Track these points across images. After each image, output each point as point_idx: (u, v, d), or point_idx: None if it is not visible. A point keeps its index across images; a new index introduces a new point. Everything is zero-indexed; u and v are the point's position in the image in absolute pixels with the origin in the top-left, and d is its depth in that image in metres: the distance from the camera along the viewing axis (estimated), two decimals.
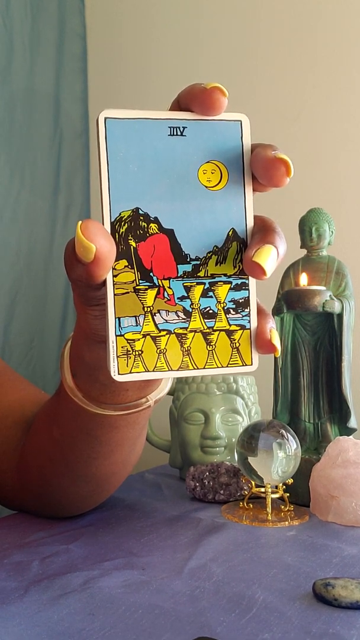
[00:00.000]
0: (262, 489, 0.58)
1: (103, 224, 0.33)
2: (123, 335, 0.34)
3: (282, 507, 0.59)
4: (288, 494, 0.59)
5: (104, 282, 0.34)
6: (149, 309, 0.34)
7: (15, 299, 1.06)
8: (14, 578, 0.42)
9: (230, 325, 0.35)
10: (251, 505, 0.60)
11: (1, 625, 0.35)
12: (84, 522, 0.56)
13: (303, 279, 0.65)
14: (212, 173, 0.35)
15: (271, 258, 0.34)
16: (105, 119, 0.33)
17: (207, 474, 0.64)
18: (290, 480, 0.58)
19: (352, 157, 1.00)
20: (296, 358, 0.68)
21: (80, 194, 1.22)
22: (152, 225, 0.34)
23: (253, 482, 0.59)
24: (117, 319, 0.33)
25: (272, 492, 0.58)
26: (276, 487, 0.59)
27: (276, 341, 0.35)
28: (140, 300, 0.34)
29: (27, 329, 1.08)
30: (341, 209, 0.94)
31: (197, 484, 0.64)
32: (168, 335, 0.34)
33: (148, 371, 0.34)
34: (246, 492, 0.61)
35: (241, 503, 0.60)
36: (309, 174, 1.01)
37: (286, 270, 0.69)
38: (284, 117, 1.05)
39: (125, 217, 0.33)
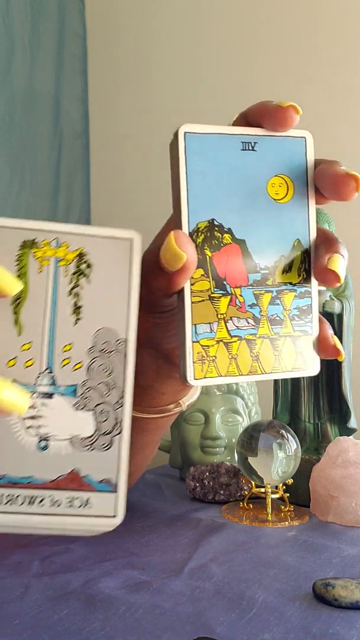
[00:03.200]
0: (262, 489, 0.58)
1: None
2: (199, 342, 0.35)
3: (282, 507, 0.59)
4: (288, 494, 0.59)
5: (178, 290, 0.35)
6: (222, 316, 0.35)
7: None
8: (14, 578, 0.42)
9: (294, 331, 0.37)
10: (251, 506, 0.60)
11: (1, 625, 0.35)
12: None
13: None
14: (280, 186, 0.36)
15: (342, 265, 0.36)
16: (185, 133, 0.34)
17: (207, 474, 0.64)
18: (290, 481, 0.58)
19: (352, 157, 1.00)
20: None
21: (80, 194, 1.22)
22: (226, 235, 0.35)
23: (253, 482, 0.59)
24: (193, 326, 0.34)
25: (272, 493, 0.58)
26: (276, 487, 0.59)
27: (340, 346, 0.37)
28: (215, 307, 0.35)
29: None
30: (341, 209, 0.94)
31: (197, 484, 0.64)
32: (239, 341, 0.35)
33: (221, 376, 0.35)
34: (246, 492, 0.61)
35: (241, 503, 0.60)
36: None
37: None
38: None
39: (202, 228, 0.35)
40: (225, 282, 0.35)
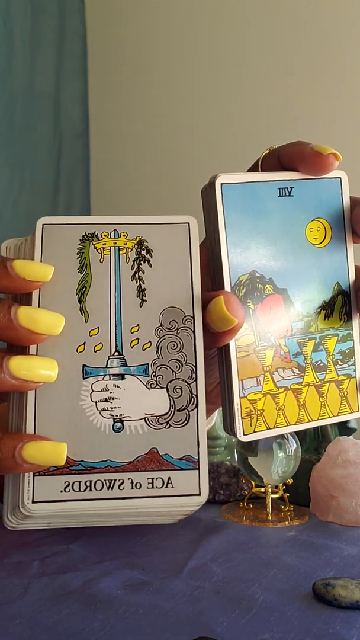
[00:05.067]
0: (262, 489, 0.58)
1: (223, 289, 0.34)
2: (246, 397, 0.34)
3: (282, 507, 0.59)
4: (288, 494, 0.59)
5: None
6: (268, 368, 0.35)
7: None
8: (14, 578, 0.42)
9: (339, 375, 0.36)
10: (251, 505, 0.60)
11: (1, 625, 0.35)
12: None
13: None
14: (318, 230, 0.36)
15: None
16: (222, 184, 0.33)
17: None
18: (290, 480, 0.58)
19: (352, 157, 1.00)
20: None
21: (80, 194, 1.22)
22: (268, 286, 0.35)
23: (253, 482, 0.59)
24: (240, 382, 0.34)
25: (272, 492, 0.58)
26: (276, 487, 0.59)
27: None
28: (260, 360, 0.35)
29: None
30: None
31: None
32: (285, 392, 0.35)
33: (269, 429, 0.35)
34: (246, 492, 0.61)
35: (241, 503, 0.60)
36: None
37: None
38: (283, 117, 1.05)
39: (243, 281, 0.34)
40: (269, 334, 0.35)
